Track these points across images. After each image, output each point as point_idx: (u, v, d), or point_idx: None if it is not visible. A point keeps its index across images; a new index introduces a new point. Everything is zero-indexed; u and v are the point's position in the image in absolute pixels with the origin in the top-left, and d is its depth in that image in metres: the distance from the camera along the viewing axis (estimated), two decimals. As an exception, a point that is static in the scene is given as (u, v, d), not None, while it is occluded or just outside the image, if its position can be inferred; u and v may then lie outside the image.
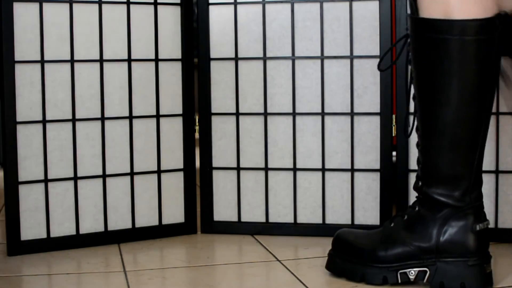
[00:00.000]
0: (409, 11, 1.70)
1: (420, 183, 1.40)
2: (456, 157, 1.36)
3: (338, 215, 1.76)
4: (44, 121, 1.64)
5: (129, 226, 1.74)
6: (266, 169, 1.78)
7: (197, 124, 1.92)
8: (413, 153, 1.72)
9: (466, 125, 1.34)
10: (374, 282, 1.39)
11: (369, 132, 1.74)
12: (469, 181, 1.36)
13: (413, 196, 1.73)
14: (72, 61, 1.66)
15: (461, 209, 1.36)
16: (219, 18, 1.79)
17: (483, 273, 1.36)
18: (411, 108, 1.72)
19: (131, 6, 1.71)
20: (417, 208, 1.40)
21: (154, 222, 1.77)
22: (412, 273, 1.38)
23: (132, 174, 1.74)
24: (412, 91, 1.41)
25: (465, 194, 1.36)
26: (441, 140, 1.35)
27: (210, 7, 1.78)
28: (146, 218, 1.76)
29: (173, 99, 1.76)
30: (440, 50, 1.31)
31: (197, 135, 1.90)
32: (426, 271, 1.38)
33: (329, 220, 1.77)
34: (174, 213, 1.79)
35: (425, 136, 1.38)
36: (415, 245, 1.38)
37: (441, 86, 1.33)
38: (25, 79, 1.62)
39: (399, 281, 1.38)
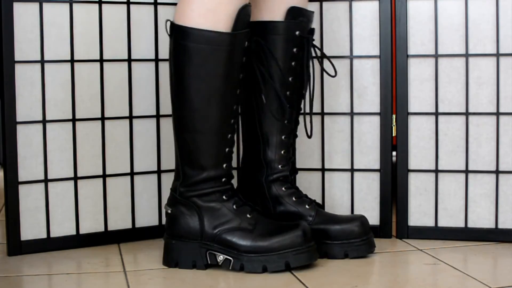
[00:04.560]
0: (408, 11, 1.70)
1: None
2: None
3: (338, 215, 1.76)
4: (44, 121, 1.64)
5: (129, 226, 1.74)
6: (266, 169, 1.78)
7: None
8: (413, 153, 1.72)
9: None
10: None
11: (369, 132, 1.74)
12: None
13: (413, 196, 1.73)
14: (72, 61, 1.66)
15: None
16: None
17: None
18: (411, 109, 1.72)
19: (131, 6, 1.71)
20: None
21: (154, 222, 1.77)
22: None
23: (132, 174, 1.74)
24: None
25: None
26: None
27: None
28: (146, 218, 1.76)
29: (173, 99, 1.76)
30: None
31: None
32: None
33: (329, 220, 1.76)
34: (174, 213, 1.79)
35: None
36: None
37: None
38: (25, 79, 1.62)
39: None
